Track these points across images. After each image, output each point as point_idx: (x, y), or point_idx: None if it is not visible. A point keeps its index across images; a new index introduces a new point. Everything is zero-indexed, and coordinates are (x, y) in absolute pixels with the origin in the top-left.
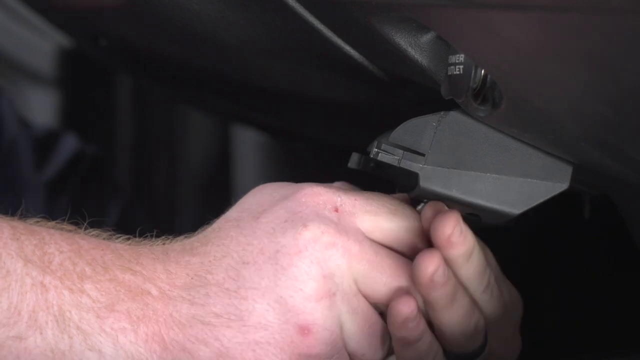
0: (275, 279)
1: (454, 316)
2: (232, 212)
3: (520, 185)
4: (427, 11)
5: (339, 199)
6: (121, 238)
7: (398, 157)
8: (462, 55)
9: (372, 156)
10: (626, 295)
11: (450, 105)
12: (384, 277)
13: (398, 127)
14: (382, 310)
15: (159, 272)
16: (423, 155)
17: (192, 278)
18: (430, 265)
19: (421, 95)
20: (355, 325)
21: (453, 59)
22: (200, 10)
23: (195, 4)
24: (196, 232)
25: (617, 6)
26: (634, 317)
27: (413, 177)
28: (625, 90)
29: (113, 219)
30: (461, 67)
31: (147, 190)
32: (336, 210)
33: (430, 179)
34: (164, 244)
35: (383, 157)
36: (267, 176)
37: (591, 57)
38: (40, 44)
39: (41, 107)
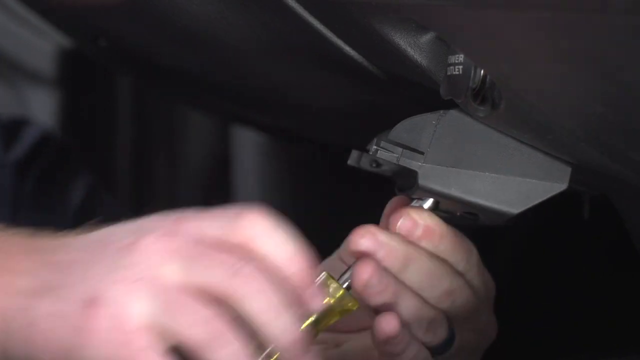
0: (91, 264)
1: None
2: None
3: (519, 185)
4: (426, 11)
5: (180, 213)
6: (14, 230)
7: (397, 155)
8: (462, 56)
9: (371, 153)
10: (626, 295)
11: (449, 105)
12: (203, 265)
13: (397, 125)
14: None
15: (21, 254)
16: (422, 153)
17: (35, 262)
18: (364, 273)
19: (421, 95)
20: (159, 306)
21: (452, 59)
22: (200, 11)
23: (195, 4)
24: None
25: (617, 6)
26: (634, 317)
27: (412, 175)
28: (625, 91)
29: (76, 201)
30: (460, 67)
31: (147, 190)
32: (175, 221)
33: (429, 177)
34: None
35: (382, 154)
36: (267, 176)
37: (591, 57)
38: (40, 44)
39: (41, 107)
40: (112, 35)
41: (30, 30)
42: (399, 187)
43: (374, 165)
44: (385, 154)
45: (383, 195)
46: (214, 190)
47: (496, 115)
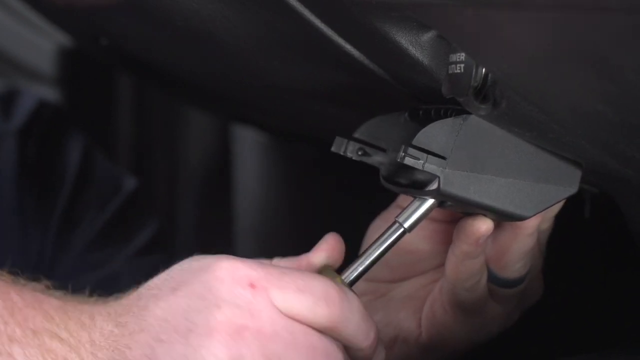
0: (185, 359)
1: (521, 248)
2: (156, 280)
3: (532, 189)
4: (428, 10)
5: (255, 273)
6: (56, 293)
7: (422, 161)
8: (463, 54)
9: (398, 160)
10: (626, 295)
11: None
12: (301, 356)
13: (422, 131)
14: None
15: (83, 341)
16: (444, 158)
17: (112, 351)
18: (482, 225)
19: (422, 93)
20: None
21: (454, 57)
22: (201, 9)
23: (195, 3)
24: (127, 293)
25: (617, 6)
26: (634, 317)
27: (421, 175)
28: (625, 90)
29: (75, 163)
30: (462, 65)
31: (147, 190)
32: (252, 285)
33: (451, 182)
34: (94, 304)
35: (409, 160)
36: (267, 176)
37: (591, 57)
38: (41, 43)
39: None
40: (113, 34)
41: (30, 29)
42: (385, 177)
43: (360, 153)
44: (411, 160)
45: (383, 195)
46: (214, 190)
47: (497, 114)
